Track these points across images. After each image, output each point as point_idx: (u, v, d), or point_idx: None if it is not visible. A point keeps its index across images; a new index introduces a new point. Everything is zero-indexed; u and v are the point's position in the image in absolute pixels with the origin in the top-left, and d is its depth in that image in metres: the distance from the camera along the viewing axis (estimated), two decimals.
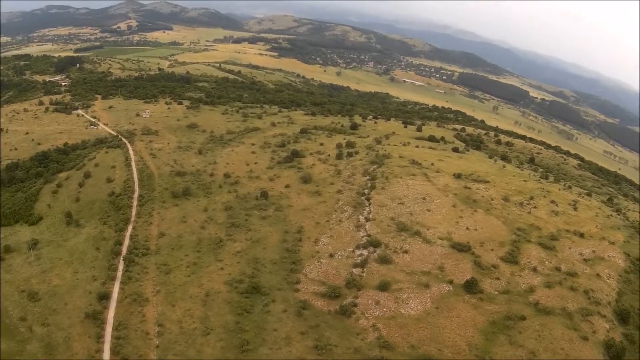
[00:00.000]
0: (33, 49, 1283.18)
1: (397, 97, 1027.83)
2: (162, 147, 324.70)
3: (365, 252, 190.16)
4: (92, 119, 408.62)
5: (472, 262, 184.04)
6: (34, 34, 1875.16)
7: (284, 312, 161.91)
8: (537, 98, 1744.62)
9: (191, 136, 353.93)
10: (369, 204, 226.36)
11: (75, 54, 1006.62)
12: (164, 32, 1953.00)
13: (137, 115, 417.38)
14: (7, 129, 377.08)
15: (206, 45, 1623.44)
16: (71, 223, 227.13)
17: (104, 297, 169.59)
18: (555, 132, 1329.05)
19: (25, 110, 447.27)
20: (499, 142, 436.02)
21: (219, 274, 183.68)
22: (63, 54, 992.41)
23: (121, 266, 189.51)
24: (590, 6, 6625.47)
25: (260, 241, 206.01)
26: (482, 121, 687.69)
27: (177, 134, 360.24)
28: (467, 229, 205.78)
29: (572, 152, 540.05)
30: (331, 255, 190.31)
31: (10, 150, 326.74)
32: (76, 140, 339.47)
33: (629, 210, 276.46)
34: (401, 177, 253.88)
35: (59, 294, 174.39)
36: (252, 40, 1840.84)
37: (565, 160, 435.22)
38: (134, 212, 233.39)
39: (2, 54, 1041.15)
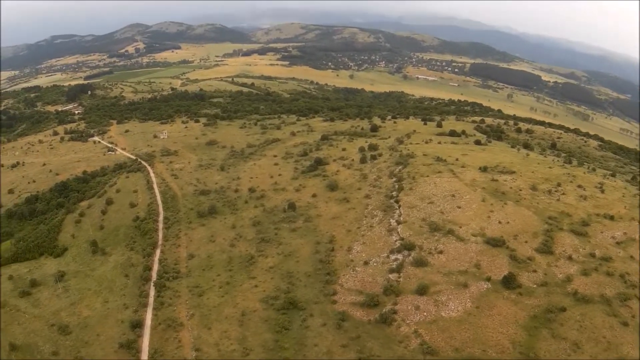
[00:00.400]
0: (42, 80, 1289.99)
1: (413, 95, 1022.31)
2: (183, 166, 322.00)
3: (400, 256, 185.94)
4: (110, 145, 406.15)
5: (507, 257, 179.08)
6: (42, 66, 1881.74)
7: (323, 325, 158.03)
8: (549, 82, 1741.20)
9: (211, 153, 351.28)
10: (399, 206, 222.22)
11: (86, 81, 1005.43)
12: (172, 51, 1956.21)
13: (155, 136, 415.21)
14: (24, 162, 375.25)
15: (216, 61, 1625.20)
16: (97, 252, 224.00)
17: (137, 325, 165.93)
18: (571, 114, 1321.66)
19: (40, 141, 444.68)
20: (519, 131, 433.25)
21: (253, 291, 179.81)
22: (73, 83, 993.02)
23: (152, 292, 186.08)
24: None
25: (292, 254, 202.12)
26: (499, 111, 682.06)
27: (197, 152, 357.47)
28: (499, 222, 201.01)
29: (591, 133, 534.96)
30: (366, 263, 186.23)
31: (29, 183, 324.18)
32: (95, 168, 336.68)
33: None
34: (428, 176, 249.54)
35: (90, 325, 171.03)
36: (261, 52, 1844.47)
37: (586, 142, 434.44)
38: (160, 236, 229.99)
39: (11, 88, 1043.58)
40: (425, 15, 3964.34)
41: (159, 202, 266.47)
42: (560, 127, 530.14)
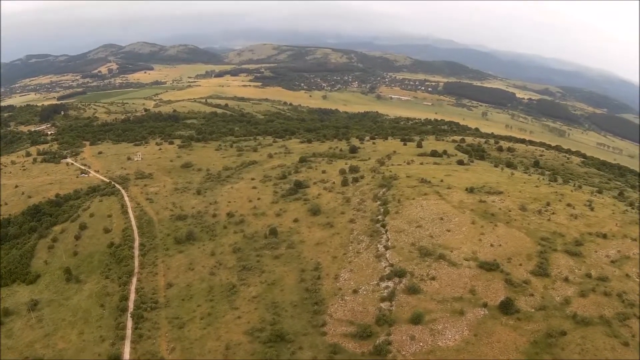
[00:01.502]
0: (16, 100, 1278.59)
1: (387, 115, 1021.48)
2: (158, 190, 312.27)
3: (390, 283, 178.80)
4: (83, 167, 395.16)
5: (503, 281, 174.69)
6: (16, 85, 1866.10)
7: (313, 359, 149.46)
8: (524, 99, 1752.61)
9: (187, 176, 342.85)
10: (386, 231, 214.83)
11: (59, 102, 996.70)
12: (145, 72, 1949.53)
13: (129, 159, 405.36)
14: None
15: (189, 82, 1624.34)
16: (71, 279, 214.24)
17: None
18: (547, 130, 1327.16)
19: (13, 162, 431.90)
20: (500, 149, 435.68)
21: (236, 323, 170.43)
22: (46, 103, 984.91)
23: (130, 323, 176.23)
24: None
25: (277, 283, 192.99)
26: (477, 129, 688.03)
27: (172, 175, 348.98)
28: (492, 245, 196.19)
29: (571, 150, 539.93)
30: (355, 291, 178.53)
31: (0, 205, 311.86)
32: (68, 191, 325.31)
33: None
34: (414, 198, 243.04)
35: (65, 358, 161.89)
36: (234, 73, 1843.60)
37: (568, 159, 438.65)
38: (136, 263, 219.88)
39: None
40: (398, 36, 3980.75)
41: (134, 227, 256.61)
42: (542, 144, 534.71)
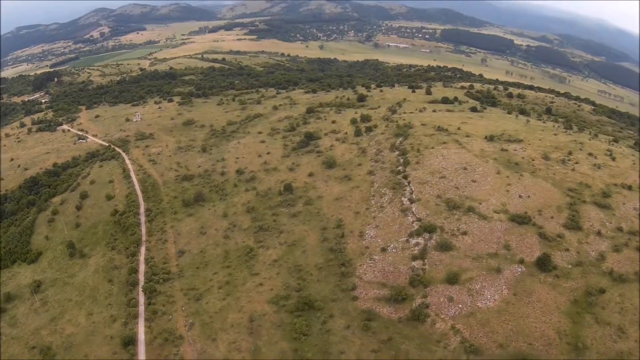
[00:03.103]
0: (8, 72, 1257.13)
1: (388, 63, 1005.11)
2: (160, 150, 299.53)
3: (420, 240, 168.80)
4: (80, 133, 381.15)
5: (537, 235, 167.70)
6: (8, 58, 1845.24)
7: (347, 328, 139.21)
8: (522, 45, 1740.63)
9: (190, 134, 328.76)
10: (409, 183, 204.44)
11: (52, 69, 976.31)
12: (137, 33, 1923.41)
13: (127, 120, 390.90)
14: None
15: (183, 39, 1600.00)
16: (75, 254, 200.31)
17: (130, 342, 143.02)
18: (547, 77, 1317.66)
19: (7, 135, 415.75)
20: (510, 96, 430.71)
21: (258, 291, 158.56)
22: (39, 72, 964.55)
23: (142, 298, 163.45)
24: None
25: (297, 244, 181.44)
26: (481, 75, 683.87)
27: (174, 133, 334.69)
28: (520, 197, 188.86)
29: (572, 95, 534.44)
30: (383, 250, 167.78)
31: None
32: (66, 159, 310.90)
33: None
34: (433, 147, 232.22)
35: (75, 344, 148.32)
36: (228, 27, 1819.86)
37: (579, 106, 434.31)
38: (144, 231, 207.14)
39: None
40: None
41: (139, 192, 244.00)
42: (551, 91, 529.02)
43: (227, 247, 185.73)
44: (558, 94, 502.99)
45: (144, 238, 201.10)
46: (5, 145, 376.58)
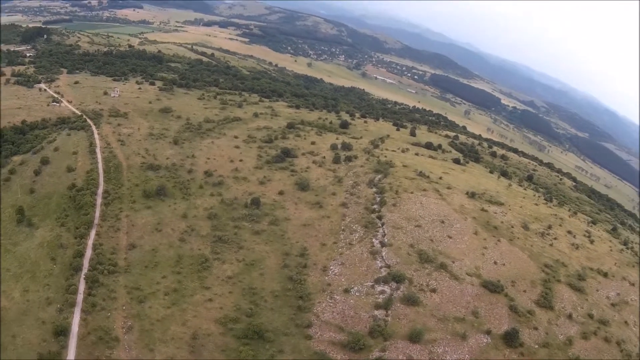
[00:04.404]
0: (2, 19, 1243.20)
1: (373, 94, 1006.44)
2: (132, 132, 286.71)
3: (387, 288, 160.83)
4: (55, 95, 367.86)
5: (507, 307, 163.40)
6: (5, 5, 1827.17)
7: None
8: (508, 106, 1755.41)
9: (165, 122, 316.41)
10: (382, 224, 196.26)
11: (44, 26, 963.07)
12: (134, 10, 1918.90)
13: (105, 93, 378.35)
14: None
15: (176, 26, 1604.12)
16: (22, 221, 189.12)
17: (62, 332, 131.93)
18: (527, 142, 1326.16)
19: None
20: (494, 155, 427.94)
21: (207, 307, 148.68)
22: (31, 25, 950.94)
23: (82, 287, 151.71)
24: (555, 19, 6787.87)
25: (256, 264, 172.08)
26: (464, 127, 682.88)
27: (149, 118, 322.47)
28: (495, 263, 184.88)
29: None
30: (346, 291, 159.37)
31: None
32: (36, 118, 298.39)
33: (634, 243, 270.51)
34: (412, 192, 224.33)
35: (5, 320, 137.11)
36: (222, 24, 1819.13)
37: (561, 179, 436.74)
38: (97, 213, 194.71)
39: None
40: (389, 17, 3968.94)
41: (101, 170, 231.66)
42: (534, 158, 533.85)
43: (181, 252, 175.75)
44: (541, 162, 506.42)
45: (96, 221, 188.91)
46: None
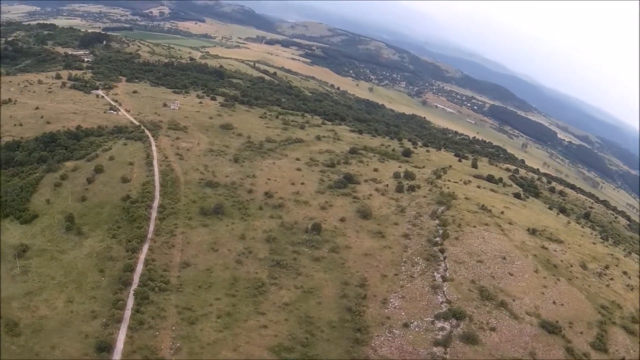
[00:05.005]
0: (60, 22, 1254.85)
1: (433, 123, 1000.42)
2: (191, 147, 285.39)
3: (446, 325, 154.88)
4: (113, 103, 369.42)
5: (564, 349, 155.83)
6: (64, 7, 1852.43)
7: None
8: (564, 140, 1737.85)
9: (225, 139, 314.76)
10: (444, 258, 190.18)
11: (103, 32, 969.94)
12: (196, 23, 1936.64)
13: (165, 105, 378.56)
14: (16, 100, 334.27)
15: (238, 42, 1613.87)
16: (72, 229, 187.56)
17: (105, 349, 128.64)
18: (581, 177, 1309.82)
19: (40, 82, 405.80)
20: (552, 190, 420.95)
21: (261, 333, 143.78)
22: (90, 30, 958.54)
23: (131, 302, 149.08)
24: (608, 53, 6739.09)
25: (314, 292, 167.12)
26: (522, 160, 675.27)
27: (209, 134, 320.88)
28: (554, 303, 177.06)
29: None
30: (406, 325, 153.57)
31: (15, 125, 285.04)
32: (91, 125, 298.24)
33: None
34: (475, 226, 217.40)
35: (45, 330, 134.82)
36: (285, 44, 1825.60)
37: (616, 218, 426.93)
38: (151, 228, 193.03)
39: (27, 23, 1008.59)
40: (449, 45, 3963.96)
41: (157, 183, 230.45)
42: (591, 195, 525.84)
43: (237, 274, 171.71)
44: (597, 199, 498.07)
45: (149, 236, 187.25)
46: (34, 92, 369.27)
